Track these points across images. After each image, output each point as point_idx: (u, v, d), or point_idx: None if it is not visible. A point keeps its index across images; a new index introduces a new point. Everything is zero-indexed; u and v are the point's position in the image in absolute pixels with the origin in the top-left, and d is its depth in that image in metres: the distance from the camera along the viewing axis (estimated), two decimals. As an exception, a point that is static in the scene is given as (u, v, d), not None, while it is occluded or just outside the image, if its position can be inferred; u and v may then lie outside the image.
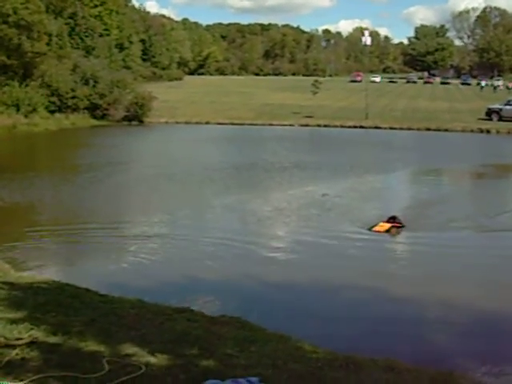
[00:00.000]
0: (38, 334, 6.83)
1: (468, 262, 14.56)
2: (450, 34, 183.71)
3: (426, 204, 21.12)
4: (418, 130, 49.94)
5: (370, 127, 51.21)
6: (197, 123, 53.94)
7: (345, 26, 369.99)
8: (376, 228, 16.65)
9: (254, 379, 5.50)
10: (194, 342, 7.04)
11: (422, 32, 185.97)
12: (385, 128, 50.73)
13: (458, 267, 14.07)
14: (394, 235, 16.61)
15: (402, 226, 16.93)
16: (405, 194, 24.92)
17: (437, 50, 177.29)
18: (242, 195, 22.64)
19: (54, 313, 7.83)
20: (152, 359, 6.32)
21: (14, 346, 6.38)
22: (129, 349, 6.60)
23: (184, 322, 8.01)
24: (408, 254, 15.59)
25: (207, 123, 54.02)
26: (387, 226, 16.71)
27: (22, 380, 5.52)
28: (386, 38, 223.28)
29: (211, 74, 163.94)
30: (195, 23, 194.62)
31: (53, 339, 6.74)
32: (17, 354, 6.18)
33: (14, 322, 7.18)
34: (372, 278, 12.99)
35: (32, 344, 6.49)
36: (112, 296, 9.34)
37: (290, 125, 53.12)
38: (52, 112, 51.84)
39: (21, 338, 6.62)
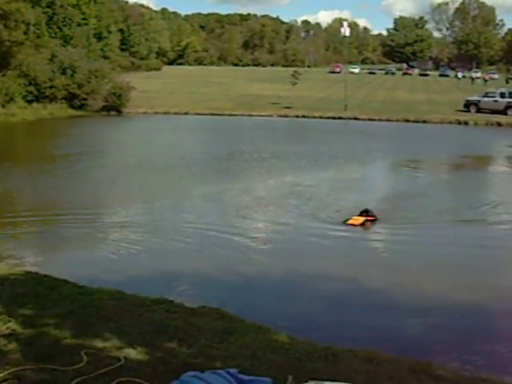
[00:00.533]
0: (16, 326, 6.78)
1: (444, 254, 14.60)
2: (429, 25, 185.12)
3: (405, 195, 21.21)
4: (397, 121, 49.91)
5: (349, 118, 51.14)
6: (175, 114, 53.58)
7: (324, 17, 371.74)
8: (350, 221, 16.60)
9: (233, 371, 5.48)
10: (173, 333, 7.02)
11: (401, 23, 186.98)
12: (364, 119, 50.67)
13: (436, 260, 14.14)
14: (368, 228, 16.62)
15: (376, 219, 16.96)
16: (383, 185, 25.04)
17: (416, 41, 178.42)
18: (220, 185, 22.63)
19: (31, 304, 7.77)
20: (131, 351, 6.29)
21: (-9, 339, 6.33)
22: (107, 341, 6.56)
23: (163, 313, 7.97)
24: (384, 248, 15.58)
25: (186, 113, 53.68)
26: (361, 219, 16.69)
27: (-1, 373, 5.48)
28: (365, 29, 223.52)
29: (190, 65, 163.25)
30: (174, 13, 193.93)
31: (31, 331, 6.70)
32: (-6, 347, 6.13)
33: (-10, 314, 7.12)
34: (348, 271, 13.08)
35: (10, 336, 6.44)
36: (90, 287, 9.28)
37: (269, 115, 52.94)
38: (29, 102, 51.18)
39: (-2, 331, 6.58)
